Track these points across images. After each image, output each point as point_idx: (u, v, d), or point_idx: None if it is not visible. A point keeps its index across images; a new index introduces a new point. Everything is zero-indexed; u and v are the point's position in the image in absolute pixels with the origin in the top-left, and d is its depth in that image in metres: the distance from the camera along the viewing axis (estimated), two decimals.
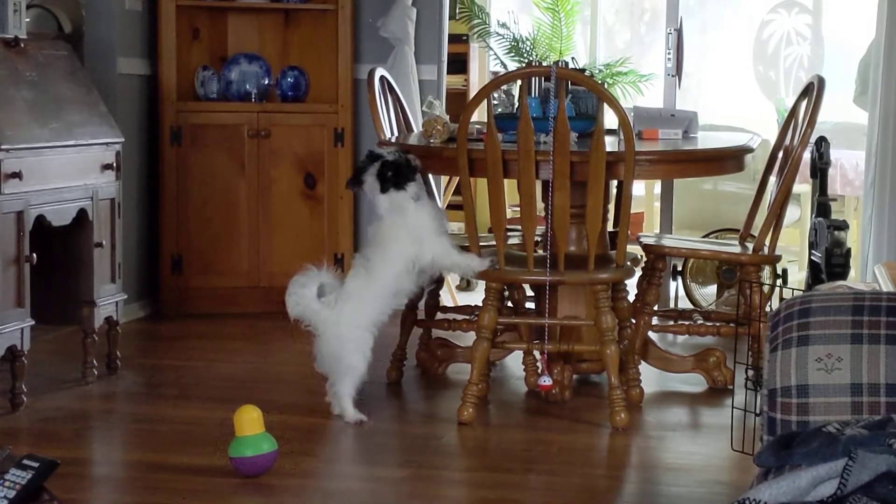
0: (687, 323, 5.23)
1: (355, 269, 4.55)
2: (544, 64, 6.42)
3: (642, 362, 4.95)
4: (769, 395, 2.54)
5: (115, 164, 5.05)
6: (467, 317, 5.31)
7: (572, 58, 6.83)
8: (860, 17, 8.08)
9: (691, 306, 6.35)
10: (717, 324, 5.13)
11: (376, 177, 4.52)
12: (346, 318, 4.46)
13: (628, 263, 4.63)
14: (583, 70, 5.40)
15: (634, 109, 5.35)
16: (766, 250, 4.95)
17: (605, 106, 4.33)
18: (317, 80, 6.51)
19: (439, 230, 4.55)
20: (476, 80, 8.88)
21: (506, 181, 4.46)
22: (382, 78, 5.30)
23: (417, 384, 5.14)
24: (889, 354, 2.47)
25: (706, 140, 5.22)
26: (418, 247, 4.50)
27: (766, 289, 5.43)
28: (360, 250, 4.61)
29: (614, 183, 5.01)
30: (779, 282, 5.85)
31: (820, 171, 5.69)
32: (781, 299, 3.31)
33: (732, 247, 5.28)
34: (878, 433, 2.20)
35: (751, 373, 4.52)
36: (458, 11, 8.31)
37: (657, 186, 7.31)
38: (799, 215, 7.33)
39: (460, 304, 6.24)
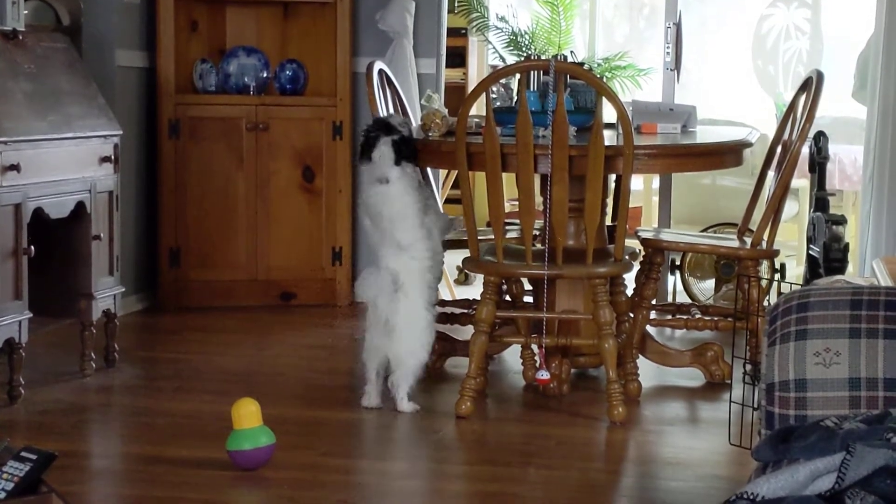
0: (685, 317, 5.23)
1: (390, 251, 4.55)
2: (543, 58, 6.42)
3: (640, 356, 4.95)
4: (767, 390, 2.54)
5: (113, 157, 5.05)
6: (465, 310, 5.31)
7: (571, 51, 6.82)
8: (859, 12, 8.08)
9: (689, 301, 6.35)
10: (716, 318, 5.13)
11: (391, 147, 4.56)
12: (413, 304, 4.50)
13: (626, 258, 4.62)
14: (581, 64, 5.39)
15: (633, 104, 5.35)
16: (764, 245, 4.95)
17: (604, 100, 4.32)
18: (315, 73, 6.50)
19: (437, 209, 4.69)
20: (475, 73, 8.89)
21: (504, 175, 4.46)
22: (381, 71, 5.30)
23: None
24: (887, 349, 2.47)
25: (705, 134, 5.22)
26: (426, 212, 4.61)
27: (764, 283, 5.43)
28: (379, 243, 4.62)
29: (613, 177, 5.01)
30: (777, 276, 5.86)
31: (818, 165, 5.68)
32: (779, 294, 3.31)
33: (731, 241, 5.27)
34: (876, 427, 2.20)
35: (749, 367, 4.52)
36: (456, 5, 8.31)
37: (655, 181, 7.30)
38: (797, 210, 7.33)
39: (458, 297, 6.24)
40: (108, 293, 5.05)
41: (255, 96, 6.40)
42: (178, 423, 4.40)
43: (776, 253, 5.07)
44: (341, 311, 6.35)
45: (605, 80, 7.31)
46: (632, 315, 4.96)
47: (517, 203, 4.54)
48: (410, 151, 4.60)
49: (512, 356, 5.23)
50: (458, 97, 7.41)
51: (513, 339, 4.87)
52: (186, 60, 6.41)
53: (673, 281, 6.56)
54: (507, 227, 4.89)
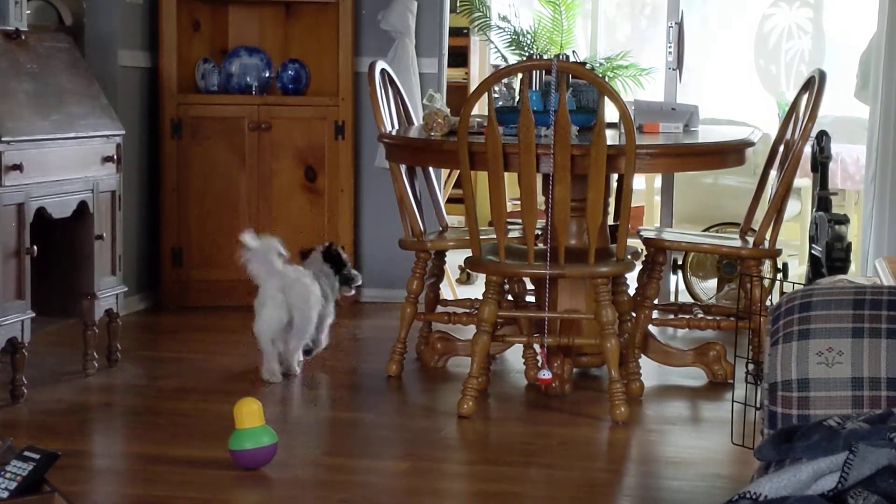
0: (687, 317, 5.22)
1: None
2: (545, 57, 6.42)
3: (642, 356, 4.95)
4: (770, 389, 2.54)
5: (115, 157, 5.05)
6: (467, 310, 5.31)
7: (573, 51, 6.82)
8: (861, 12, 8.08)
9: (691, 300, 6.35)
10: (718, 318, 5.13)
11: (321, 253, 5.24)
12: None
13: (629, 257, 4.62)
14: (584, 63, 5.39)
15: (635, 103, 5.34)
16: (766, 244, 4.95)
17: (606, 99, 4.32)
18: (317, 72, 6.51)
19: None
20: (477, 73, 8.89)
21: (506, 174, 4.46)
22: (383, 71, 5.30)
23: (417, 377, 5.14)
24: (890, 348, 2.47)
25: (707, 134, 5.22)
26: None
27: (766, 283, 5.43)
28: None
29: (615, 176, 5.01)
30: (779, 276, 5.85)
31: (821, 165, 5.68)
32: (782, 293, 3.31)
33: (733, 241, 5.27)
34: (878, 427, 2.20)
35: (751, 367, 4.52)
36: (458, 4, 8.32)
37: (658, 180, 7.30)
38: (799, 209, 7.32)
39: (460, 297, 6.24)
40: (110, 293, 5.06)
41: (258, 96, 6.40)
42: (180, 422, 4.40)
43: (778, 252, 5.07)
44: (342, 310, 6.34)
45: (607, 79, 7.31)
46: (634, 314, 4.96)
47: (519, 202, 4.54)
48: (336, 261, 5.22)
49: (514, 356, 5.24)
50: (460, 97, 7.42)
51: (515, 338, 4.87)
52: (189, 60, 6.42)
53: (675, 280, 6.56)
54: (509, 227, 4.88)
